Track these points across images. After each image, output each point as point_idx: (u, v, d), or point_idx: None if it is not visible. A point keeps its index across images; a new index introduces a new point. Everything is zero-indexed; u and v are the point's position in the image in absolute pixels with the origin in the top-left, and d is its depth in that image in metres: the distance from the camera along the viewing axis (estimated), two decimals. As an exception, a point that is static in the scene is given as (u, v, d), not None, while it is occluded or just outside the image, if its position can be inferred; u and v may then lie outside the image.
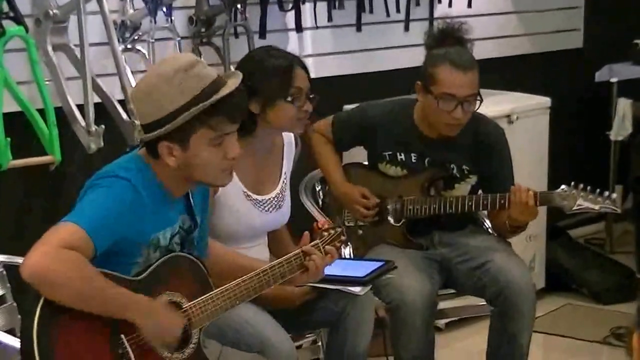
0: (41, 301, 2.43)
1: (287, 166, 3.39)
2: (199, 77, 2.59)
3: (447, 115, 3.54)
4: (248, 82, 2.83)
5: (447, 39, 3.64)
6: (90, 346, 2.50)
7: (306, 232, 2.96)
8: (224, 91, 2.59)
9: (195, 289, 2.69)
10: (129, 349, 2.52)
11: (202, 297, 2.68)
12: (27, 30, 3.40)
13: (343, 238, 3.03)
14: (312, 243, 2.95)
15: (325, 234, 3.00)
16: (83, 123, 3.56)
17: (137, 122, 2.65)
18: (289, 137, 3.41)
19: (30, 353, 2.42)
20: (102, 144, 3.54)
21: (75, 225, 2.46)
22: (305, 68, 3.27)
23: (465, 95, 3.52)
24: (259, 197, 3.26)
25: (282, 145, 3.39)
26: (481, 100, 3.57)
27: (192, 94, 2.57)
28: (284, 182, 3.36)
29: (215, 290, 2.71)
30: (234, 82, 2.63)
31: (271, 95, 3.17)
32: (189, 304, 2.65)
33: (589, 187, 3.50)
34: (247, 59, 3.35)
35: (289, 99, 3.19)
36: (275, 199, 3.31)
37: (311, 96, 3.25)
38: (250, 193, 3.24)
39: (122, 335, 2.52)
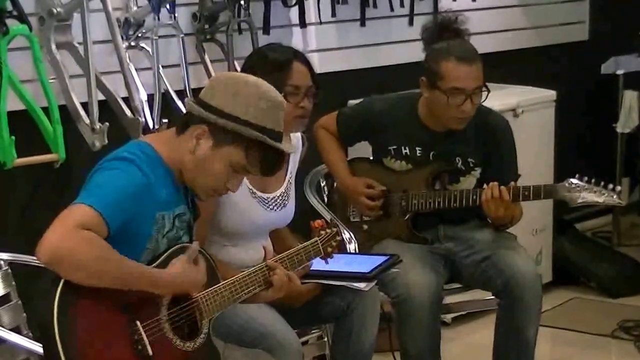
0: (60, 285, 2.44)
1: (293, 165, 3.38)
2: (279, 119, 2.70)
3: (455, 110, 3.54)
4: None
5: (445, 32, 3.64)
6: (107, 332, 2.52)
7: (267, 244, 2.97)
8: (284, 146, 2.70)
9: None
10: (144, 336, 2.55)
11: (211, 288, 2.72)
12: (30, 28, 3.40)
13: (338, 238, 3.08)
14: (312, 240, 3.02)
15: (323, 232, 3.05)
16: (87, 121, 3.56)
17: (203, 99, 2.69)
18: (296, 137, 3.39)
19: (51, 337, 2.43)
20: (106, 141, 3.54)
21: (87, 206, 2.47)
22: (307, 63, 3.25)
23: (473, 87, 3.53)
24: (264, 195, 3.26)
25: (289, 145, 3.38)
26: (488, 92, 3.57)
27: (263, 124, 2.66)
28: (289, 181, 3.35)
29: (223, 282, 2.75)
30: (289, 147, 2.74)
31: None
32: (199, 294, 2.69)
33: (593, 180, 3.49)
34: (251, 54, 3.35)
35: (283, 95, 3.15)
36: (280, 198, 3.30)
37: (315, 92, 3.23)
38: (255, 190, 3.23)
39: (138, 322, 2.55)
